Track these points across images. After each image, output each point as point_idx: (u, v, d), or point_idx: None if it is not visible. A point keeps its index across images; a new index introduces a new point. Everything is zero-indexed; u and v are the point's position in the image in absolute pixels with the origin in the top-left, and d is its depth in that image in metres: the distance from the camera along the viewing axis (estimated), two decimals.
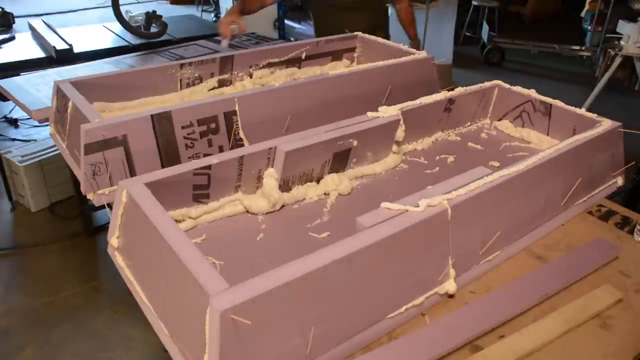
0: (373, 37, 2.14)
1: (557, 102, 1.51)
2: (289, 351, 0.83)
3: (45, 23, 2.82)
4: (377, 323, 0.95)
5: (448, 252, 1.03)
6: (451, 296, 1.04)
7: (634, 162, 1.52)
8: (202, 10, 6.98)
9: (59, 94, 1.56)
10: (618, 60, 3.76)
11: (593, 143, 1.32)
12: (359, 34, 2.19)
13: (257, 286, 0.77)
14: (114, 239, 1.09)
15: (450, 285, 1.03)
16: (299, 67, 2.02)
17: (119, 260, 1.09)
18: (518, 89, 1.61)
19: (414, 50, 1.92)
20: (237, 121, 1.49)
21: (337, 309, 0.88)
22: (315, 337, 0.84)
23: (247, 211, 1.21)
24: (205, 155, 1.17)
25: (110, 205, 1.27)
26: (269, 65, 1.94)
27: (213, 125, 1.46)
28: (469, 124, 1.68)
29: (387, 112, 1.34)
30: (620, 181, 1.46)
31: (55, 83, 1.56)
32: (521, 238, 1.19)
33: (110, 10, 2.64)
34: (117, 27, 2.79)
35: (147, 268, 0.99)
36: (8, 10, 3.10)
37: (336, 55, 2.14)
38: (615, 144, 1.41)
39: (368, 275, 0.91)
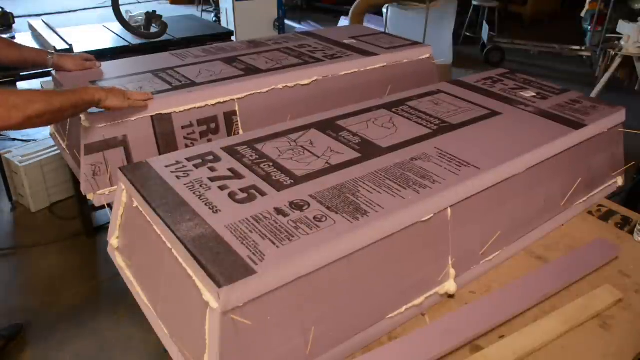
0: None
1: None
2: (289, 351, 0.83)
3: (45, 23, 2.82)
4: (377, 323, 0.95)
5: (448, 252, 1.03)
6: (451, 296, 1.04)
7: (634, 162, 1.52)
8: (202, 10, 6.98)
9: None
10: (618, 60, 3.76)
11: (593, 143, 1.32)
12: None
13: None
14: (113, 239, 1.09)
15: (450, 285, 1.03)
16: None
17: (119, 260, 1.09)
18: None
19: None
20: (237, 121, 1.49)
21: (338, 309, 0.88)
22: (315, 337, 0.84)
23: None
24: None
25: (110, 205, 1.27)
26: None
27: (213, 125, 1.46)
28: None
29: None
30: (620, 181, 1.46)
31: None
32: (521, 238, 1.19)
33: (110, 10, 2.64)
34: (117, 27, 2.78)
35: (147, 268, 0.99)
36: (8, 10, 3.10)
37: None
38: (615, 144, 1.41)
39: (368, 275, 0.91)
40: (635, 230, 1.25)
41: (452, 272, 1.04)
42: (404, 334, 0.95)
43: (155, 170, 1.03)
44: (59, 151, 2.12)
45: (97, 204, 1.36)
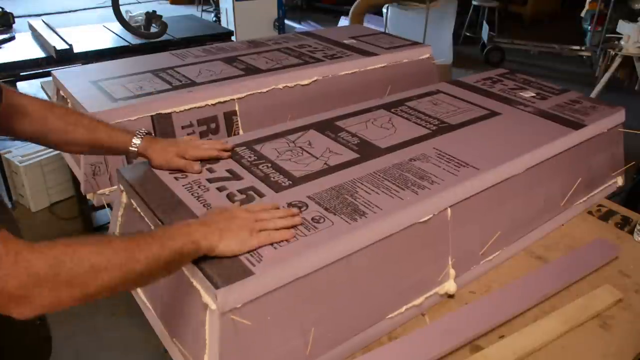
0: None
1: None
2: (289, 352, 0.83)
3: (45, 23, 2.82)
4: (377, 323, 0.95)
5: (448, 252, 1.03)
6: (451, 296, 1.04)
7: (633, 162, 1.52)
8: (202, 10, 6.98)
9: (59, 94, 1.56)
10: (618, 60, 3.76)
11: (593, 143, 1.32)
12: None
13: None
14: None
15: (450, 286, 1.03)
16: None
17: None
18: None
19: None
20: (237, 121, 1.50)
21: (337, 310, 0.88)
22: (314, 338, 0.84)
23: None
24: None
25: (110, 205, 1.28)
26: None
27: (213, 125, 1.46)
28: None
29: None
30: (620, 181, 1.46)
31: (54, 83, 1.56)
32: (521, 238, 1.19)
33: (110, 10, 2.64)
34: (117, 27, 2.78)
35: None
36: (8, 10, 3.10)
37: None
38: (615, 144, 1.41)
39: (367, 276, 0.91)
40: (635, 230, 1.25)
41: (452, 272, 1.04)
42: (404, 334, 0.95)
43: (153, 171, 1.03)
44: (59, 151, 2.12)
45: (97, 204, 1.36)
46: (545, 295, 1.04)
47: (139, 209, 0.97)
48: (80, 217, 2.62)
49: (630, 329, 0.98)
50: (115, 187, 1.34)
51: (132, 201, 1.01)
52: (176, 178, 1.00)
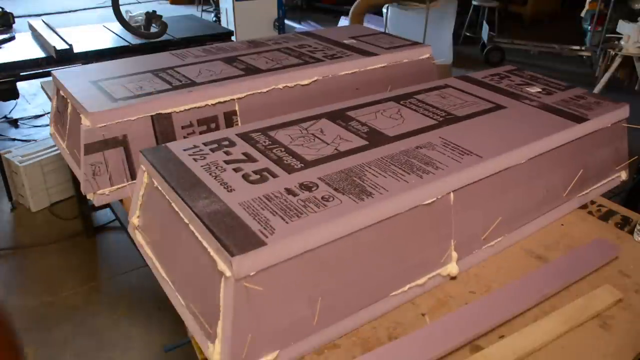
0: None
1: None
2: (297, 320, 0.88)
3: (45, 23, 2.82)
4: (381, 300, 0.99)
5: (450, 235, 1.06)
6: (453, 278, 1.07)
7: (636, 157, 1.51)
8: (202, 10, 6.99)
9: (59, 94, 1.56)
10: (618, 60, 3.77)
11: (596, 137, 1.33)
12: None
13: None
14: (134, 218, 1.14)
15: (452, 267, 1.06)
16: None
17: (138, 238, 1.13)
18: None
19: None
20: (237, 121, 1.50)
21: (343, 284, 0.92)
22: (321, 309, 0.89)
23: None
24: None
25: (110, 206, 1.28)
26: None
27: (213, 125, 1.46)
28: None
29: None
30: (624, 175, 1.46)
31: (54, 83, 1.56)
32: (524, 226, 1.22)
33: (110, 10, 2.64)
34: (117, 27, 2.79)
35: (166, 244, 1.04)
36: (8, 10, 3.10)
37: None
38: (619, 139, 1.42)
39: (373, 252, 0.95)
40: (635, 230, 1.25)
41: (455, 254, 1.07)
42: (404, 334, 0.96)
43: (174, 153, 1.08)
44: (59, 151, 2.12)
45: (97, 204, 1.36)
46: (545, 295, 1.04)
47: (159, 187, 1.02)
48: (80, 217, 2.62)
49: (630, 329, 0.98)
50: (115, 187, 1.35)
51: (154, 180, 1.05)
52: (195, 159, 1.05)
